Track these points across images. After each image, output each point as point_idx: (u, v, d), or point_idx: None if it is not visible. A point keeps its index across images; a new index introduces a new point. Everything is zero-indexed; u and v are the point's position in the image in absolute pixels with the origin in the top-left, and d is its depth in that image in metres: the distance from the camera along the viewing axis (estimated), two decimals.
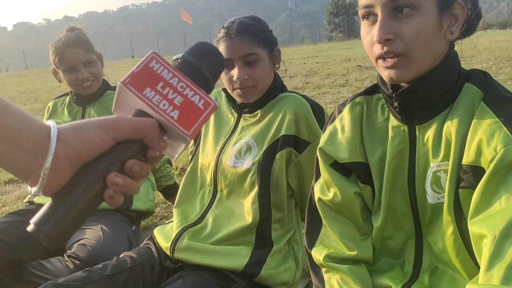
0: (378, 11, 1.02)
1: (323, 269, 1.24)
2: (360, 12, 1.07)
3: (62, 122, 2.35)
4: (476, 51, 10.61)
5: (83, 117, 2.36)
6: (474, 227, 0.95)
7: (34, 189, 0.62)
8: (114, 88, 2.38)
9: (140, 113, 0.69)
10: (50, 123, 0.63)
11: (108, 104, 2.33)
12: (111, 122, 0.65)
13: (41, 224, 0.60)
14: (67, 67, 2.22)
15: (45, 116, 2.52)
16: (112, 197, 0.63)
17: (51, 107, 2.48)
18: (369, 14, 1.05)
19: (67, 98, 2.43)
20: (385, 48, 1.02)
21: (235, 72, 1.56)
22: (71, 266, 1.83)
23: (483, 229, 0.92)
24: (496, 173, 0.93)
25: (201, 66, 0.73)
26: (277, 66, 1.66)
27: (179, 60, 0.73)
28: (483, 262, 0.89)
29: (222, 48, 1.57)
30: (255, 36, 1.56)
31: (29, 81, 15.00)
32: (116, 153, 0.65)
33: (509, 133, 0.93)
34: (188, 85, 0.69)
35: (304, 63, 12.18)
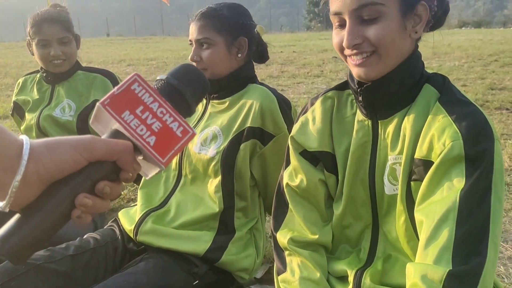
0: (346, 17, 1.10)
1: (286, 252, 1.31)
2: (331, 18, 1.15)
3: (30, 100, 2.34)
4: (450, 48, 10.79)
5: (51, 96, 2.34)
6: (418, 214, 1.04)
7: (1, 203, 0.61)
8: (84, 69, 2.37)
9: (117, 134, 0.67)
10: (23, 138, 0.62)
11: (77, 85, 2.31)
12: (86, 143, 0.64)
13: (4, 240, 0.59)
14: (41, 40, 2.20)
15: (14, 92, 2.50)
16: (80, 217, 0.63)
17: (20, 84, 2.47)
18: (339, 20, 1.13)
19: (38, 75, 2.42)
20: (355, 51, 1.10)
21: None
22: None
23: (423, 215, 1.01)
24: (442, 165, 1.01)
25: (185, 91, 0.71)
26: (239, 55, 1.67)
27: (162, 82, 0.72)
28: (420, 242, 0.99)
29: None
30: (214, 22, 1.62)
31: (0, 55, 14.60)
32: (88, 173, 0.63)
33: (458, 130, 1.01)
34: (168, 111, 0.68)
35: (281, 52, 12.17)
